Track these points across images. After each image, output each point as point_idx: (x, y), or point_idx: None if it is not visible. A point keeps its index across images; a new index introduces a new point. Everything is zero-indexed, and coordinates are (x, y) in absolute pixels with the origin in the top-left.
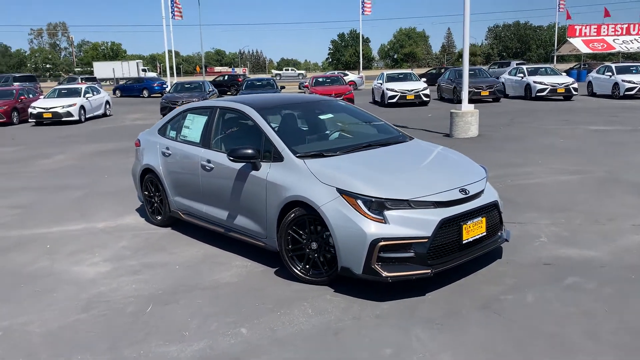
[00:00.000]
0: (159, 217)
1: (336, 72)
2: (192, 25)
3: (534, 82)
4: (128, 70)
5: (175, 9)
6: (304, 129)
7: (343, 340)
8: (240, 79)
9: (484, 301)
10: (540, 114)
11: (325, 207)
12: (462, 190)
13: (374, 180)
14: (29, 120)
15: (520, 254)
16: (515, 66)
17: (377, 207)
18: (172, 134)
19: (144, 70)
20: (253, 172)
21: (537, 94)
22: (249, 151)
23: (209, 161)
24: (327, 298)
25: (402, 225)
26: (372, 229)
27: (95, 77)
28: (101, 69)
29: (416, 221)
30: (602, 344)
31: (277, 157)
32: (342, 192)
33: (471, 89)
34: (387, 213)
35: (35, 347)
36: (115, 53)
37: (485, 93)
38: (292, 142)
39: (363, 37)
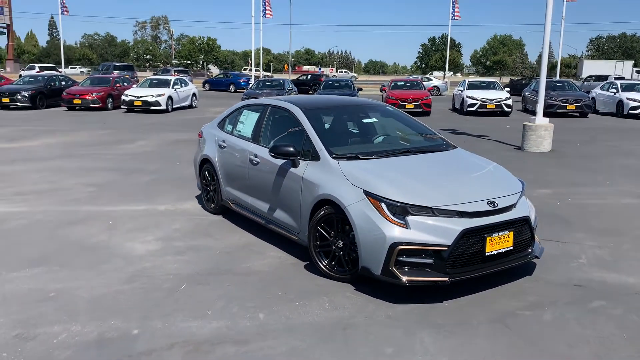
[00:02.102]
0: (212, 205)
1: (419, 76)
2: (283, 24)
3: (627, 98)
4: (622, 70)
5: (267, 7)
6: (346, 131)
7: (350, 335)
8: (322, 79)
9: (498, 315)
10: (627, 133)
11: (351, 207)
12: (490, 203)
13: (401, 185)
14: (122, 106)
15: (553, 272)
16: (609, 81)
17: (401, 211)
18: (229, 128)
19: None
20: (292, 169)
21: (630, 112)
22: (289, 149)
23: (256, 156)
24: (347, 295)
25: (423, 231)
26: (393, 232)
27: (186, 70)
28: (590, 67)
29: (438, 229)
30: None
31: (315, 156)
32: (368, 194)
33: (556, 102)
34: (409, 218)
35: (78, 310)
36: (210, 48)
37: (571, 107)
38: (331, 142)
39: (454, 42)
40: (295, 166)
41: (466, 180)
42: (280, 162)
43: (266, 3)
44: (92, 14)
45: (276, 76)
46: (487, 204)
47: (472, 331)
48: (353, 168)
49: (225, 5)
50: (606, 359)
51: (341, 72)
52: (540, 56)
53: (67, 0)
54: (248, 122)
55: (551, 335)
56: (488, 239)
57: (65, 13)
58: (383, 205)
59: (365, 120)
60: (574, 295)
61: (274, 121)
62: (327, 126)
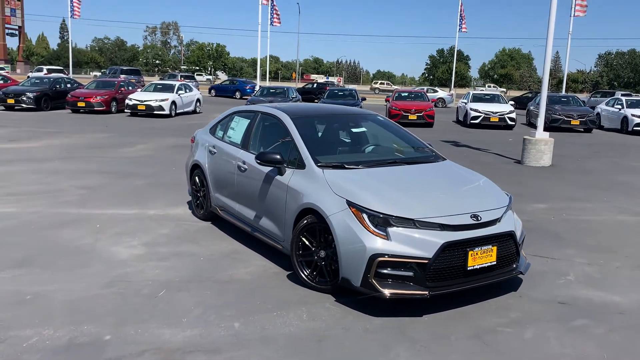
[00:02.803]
0: (202, 211)
1: (425, 87)
2: (291, 33)
3: (632, 115)
4: None
5: (274, 15)
6: (335, 139)
7: (323, 348)
8: (327, 88)
9: (478, 331)
10: (630, 149)
11: (333, 217)
12: (474, 216)
13: (384, 196)
14: (125, 110)
15: (539, 289)
16: (615, 97)
17: (382, 223)
18: (220, 134)
19: None
20: (278, 177)
21: (635, 128)
22: (275, 156)
23: (244, 162)
24: (326, 306)
25: (403, 243)
26: (373, 243)
27: (193, 76)
28: None
29: (419, 241)
30: None
31: (300, 165)
32: (350, 204)
33: (560, 117)
34: (390, 230)
35: (53, 313)
36: (219, 54)
37: (575, 122)
38: (318, 151)
39: (462, 55)
40: (282, 174)
41: (451, 192)
42: (267, 169)
43: (274, 11)
44: (103, 18)
45: (275, 84)
46: (471, 217)
47: (449, 347)
48: (337, 177)
49: (235, 13)
50: None
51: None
52: (550, 71)
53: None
54: (238, 128)
55: (529, 354)
56: (470, 253)
57: (76, 16)
58: (364, 215)
59: (354, 130)
60: (558, 313)
61: (263, 128)
62: (315, 135)
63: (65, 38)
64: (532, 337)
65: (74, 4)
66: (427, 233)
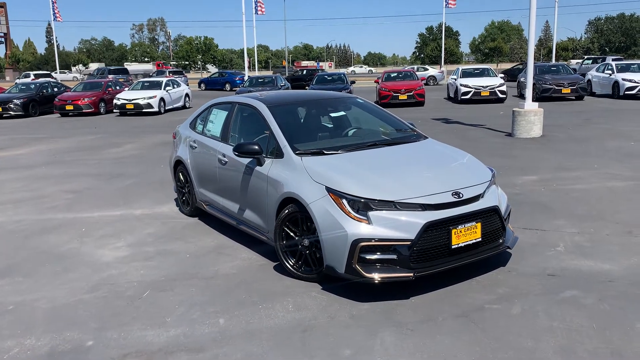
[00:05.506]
0: (188, 208)
1: (415, 66)
2: (279, 20)
3: (623, 79)
4: None
5: (258, 4)
6: (314, 126)
7: (308, 338)
8: (316, 74)
9: (465, 309)
10: (622, 114)
11: (313, 204)
12: (456, 194)
13: (363, 179)
14: (114, 110)
15: (528, 262)
16: (605, 62)
17: (362, 207)
18: (200, 128)
19: None
20: (257, 168)
21: (626, 92)
22: (253, 147)
23: (224, 155)
24: (312, 295)
25: (385, 226)
26: (354, 229)
27: (181, 71)
28: None
29: (400, 223)
30: None
31: (279, 154)
32: (329, 190)
33: (551, 86)
34: (371, 213)
35: (35, 322)
36: (207, 47)
37: (566, 90)
38: (297, 138)
39: (451, 31)
40: (261, 164)
41: (431, 171)
42: (246, 161)
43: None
44: (89, 19)
45: (263, 73)
46: (452, 195)
47: (436, 328)
48: (316, 164)
49: (221, 4)
50: (572, 352)
51: (361, 67)
52: (540, 40)
53: (65, 6)
54: (217, 121)
55: (517, 329)
56: (454, 231)
57: (58, 19)
58: (344, 201)
59: (333, 115)
60: (547, 285)
61: (241, 119)
62: (294, 122)
63: (52, 42)
64: (520, 313)
65: (55, 8)
66: (409, 214)
